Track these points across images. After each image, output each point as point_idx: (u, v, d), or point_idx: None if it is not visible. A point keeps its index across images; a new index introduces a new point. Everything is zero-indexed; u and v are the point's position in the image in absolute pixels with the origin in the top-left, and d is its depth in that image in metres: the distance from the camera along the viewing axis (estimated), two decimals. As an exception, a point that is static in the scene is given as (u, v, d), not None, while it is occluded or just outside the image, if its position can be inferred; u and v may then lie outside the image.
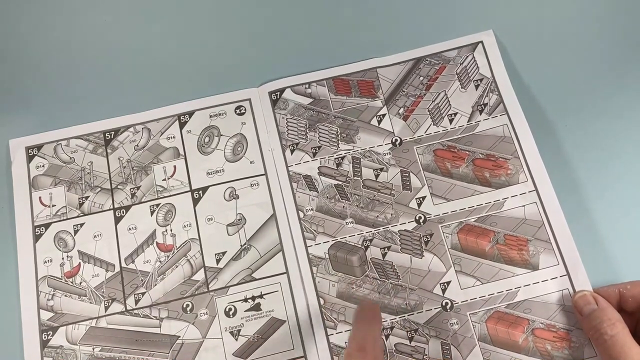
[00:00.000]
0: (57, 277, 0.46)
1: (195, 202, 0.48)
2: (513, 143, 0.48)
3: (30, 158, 0.49)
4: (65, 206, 0.48)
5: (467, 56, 0.51)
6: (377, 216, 0.47)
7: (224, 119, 0.50)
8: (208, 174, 0.48)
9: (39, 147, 0.49)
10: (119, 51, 0.53)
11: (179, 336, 0.44)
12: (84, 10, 0.54)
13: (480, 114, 0.49)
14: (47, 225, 0.47)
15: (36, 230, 0.47)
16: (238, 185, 0.48)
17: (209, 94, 0.51)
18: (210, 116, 0.50)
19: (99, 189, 0.48)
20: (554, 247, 0.45)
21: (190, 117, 0.50)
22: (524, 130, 0.48)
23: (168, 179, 0.48)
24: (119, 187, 0.48)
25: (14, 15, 0.54)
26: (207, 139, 0.49)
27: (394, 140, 0.49)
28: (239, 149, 0.49)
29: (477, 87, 0.50)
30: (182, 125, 0.50)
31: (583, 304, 0.42)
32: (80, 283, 0.46)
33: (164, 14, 0.54)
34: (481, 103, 0.49)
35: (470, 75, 0.50)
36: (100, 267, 0.46)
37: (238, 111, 0.50)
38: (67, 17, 0.54)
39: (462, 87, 0.50)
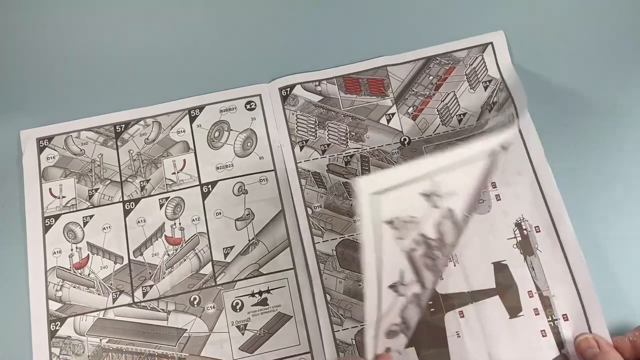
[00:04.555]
0: (65, 268, 0.46)
1: (204, 196, 0.48)
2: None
3: (41, 149, 0.49)
4: (75, 198, 0.48)
5: (477, 57, 0.51)
6: (385, 214, 0.47)
7: (234, 114, 0.50)
8: (217, 168, 0.49)
9: (49, 138, 0.49)
10: (132, 45, 0.53)
11: (186, 329, 0.45)
12: (96, 3, 0.54)
13: (489, 113, 0.49)
14: (56, 217, 0.47)
15: (46, 222, 0.47)
16: (247, 181, 0.48)
17: (220, 88, 0.51)
18: (221, 111, 0.50)
19: (109, 181, 0.48)
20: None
21: (200, 111, 0.50)
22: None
23: (177, 172, 0.49)
24: (128, 179, 0.48)
25: (27, 8, 0.54)
26: (217, 134, 0.50)
27: (402, 140, 0.49)
28: (249, 144, 0.49)
29: (485, 88, 0.50)
30: (192, 119, 0.50)
31: (585, 347, 0.41)
32: (89, 274, 0.46)
33: (177, 9, 0.54)
34: (490, 102, 0.49)
35: (479, 76, 0.50)
36: (109, 259, 0.46)
37: (248, 106, 0.50)
38: (80, 10, 0.54)
39: (470, 88, 0.50)
